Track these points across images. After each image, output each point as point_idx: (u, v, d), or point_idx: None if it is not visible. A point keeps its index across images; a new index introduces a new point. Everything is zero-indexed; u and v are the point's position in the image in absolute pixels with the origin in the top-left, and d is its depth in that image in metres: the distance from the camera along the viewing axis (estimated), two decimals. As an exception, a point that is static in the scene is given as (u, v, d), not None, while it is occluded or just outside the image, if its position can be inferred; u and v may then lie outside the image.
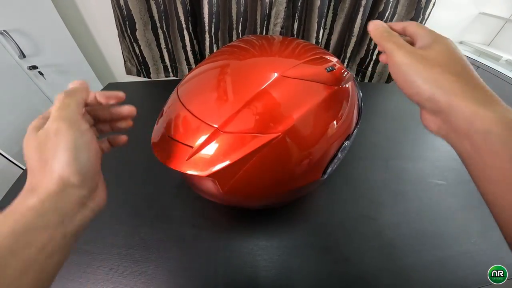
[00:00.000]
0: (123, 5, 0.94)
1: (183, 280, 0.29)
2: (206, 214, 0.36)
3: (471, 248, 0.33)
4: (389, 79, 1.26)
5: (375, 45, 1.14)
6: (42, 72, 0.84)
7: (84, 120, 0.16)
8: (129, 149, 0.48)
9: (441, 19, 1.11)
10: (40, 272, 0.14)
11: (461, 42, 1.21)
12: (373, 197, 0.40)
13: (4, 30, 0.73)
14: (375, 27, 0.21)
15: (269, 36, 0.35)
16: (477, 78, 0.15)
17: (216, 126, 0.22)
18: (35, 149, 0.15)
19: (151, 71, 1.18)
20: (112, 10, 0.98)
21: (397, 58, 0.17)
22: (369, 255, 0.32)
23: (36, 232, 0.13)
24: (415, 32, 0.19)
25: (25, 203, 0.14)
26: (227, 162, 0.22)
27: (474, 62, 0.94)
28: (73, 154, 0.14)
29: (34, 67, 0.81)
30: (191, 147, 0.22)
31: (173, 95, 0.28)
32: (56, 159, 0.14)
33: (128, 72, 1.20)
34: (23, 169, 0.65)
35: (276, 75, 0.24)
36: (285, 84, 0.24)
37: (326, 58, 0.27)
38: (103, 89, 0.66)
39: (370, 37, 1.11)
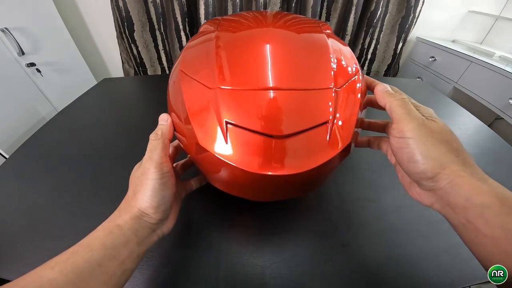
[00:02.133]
0: (122, 7, 0.97)
1: (165, 274, 0.26)
2: (200, 206, 0.33)
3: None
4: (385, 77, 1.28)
5: (370, 44, 1.16)
6: (40, 70, 0.85)
7: (167, 162, 0.19)
8: (126, 142, 0.44)
9: (431, 17, 1.14)
10: (115, 286, 0.16)
11: (453, 41, 1.24)
12: (372, 179, 0.37)
13: (5, 28, 0.75)
14: (384, 87, 0.20)
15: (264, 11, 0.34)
16: (468, 154, 0.16)
17: (331, 86, 0.19)
18: (132, 181, 0.20)
19: (148, 73, 1.19)
20: (111, 11, 1.01)
21: (408, 131, 0.16)
22: (370, 241, 0.28)
23: (119, 247, 0.16)
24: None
25: (115, 221, 0.17)
26: (358, 113, 0.20)
27: (468, 58, 0.95)
28: (152, 192, 0.18)
29: (32, 64, 0.82)
30: (326, 122, 0.18)
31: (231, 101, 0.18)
32: (140, 193, 0.18)
33: (126, 73, 1.21)
34: (6, 158, 0.65)
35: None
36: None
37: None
38: (97, 85, 0.66)
39: (364, 36, 1.14)
